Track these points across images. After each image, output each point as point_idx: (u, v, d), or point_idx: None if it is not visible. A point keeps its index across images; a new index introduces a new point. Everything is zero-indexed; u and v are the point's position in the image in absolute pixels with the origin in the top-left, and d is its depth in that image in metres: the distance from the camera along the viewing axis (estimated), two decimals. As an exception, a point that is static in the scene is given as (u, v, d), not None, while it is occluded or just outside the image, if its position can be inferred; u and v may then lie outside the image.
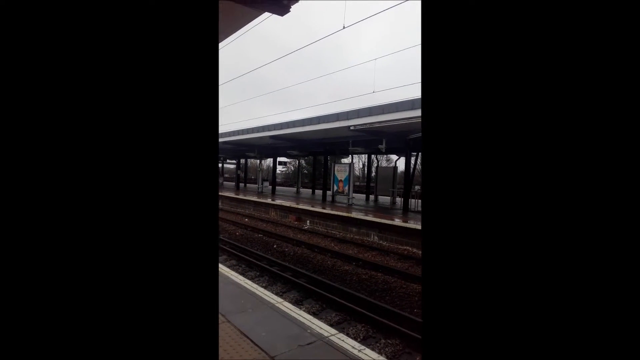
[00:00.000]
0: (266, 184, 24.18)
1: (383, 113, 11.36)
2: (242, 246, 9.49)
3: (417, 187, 15.16)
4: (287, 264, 7.75)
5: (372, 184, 20.18)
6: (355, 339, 4.09)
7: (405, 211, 12.67)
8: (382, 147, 13.08)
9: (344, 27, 7.76)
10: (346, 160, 18.47)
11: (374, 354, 2.80)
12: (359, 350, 2.83)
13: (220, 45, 4.07)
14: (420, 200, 12.91)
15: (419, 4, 0.98)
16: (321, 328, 3.23)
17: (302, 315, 3.53)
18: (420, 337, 4.14)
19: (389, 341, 4.42)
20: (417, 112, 9.80)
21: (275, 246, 9.61)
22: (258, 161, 24.53)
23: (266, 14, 3.27)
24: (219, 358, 2.59)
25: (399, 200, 15.15)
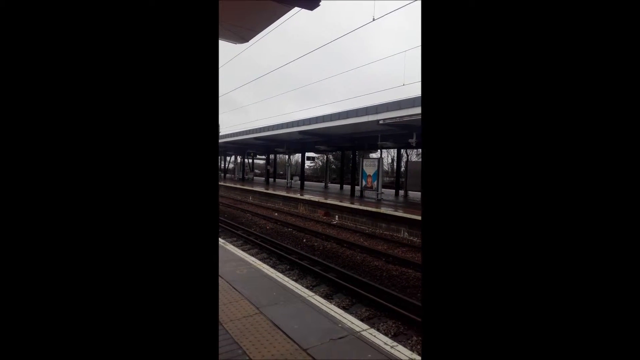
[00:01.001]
0: (296, 178, 24.44)
1: (413, 106, 11.09)
2: (273, 240, 9.68)
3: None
4: (316, 258, 7.82)
5: (401, 179, 19.84)
6: (386, 334, 4.06)
7: (437, 206, 12.31)
8: (413, 141, 12.79)
9: (373, 19, 7.62)
10: (375, 155, 18.22)
11: (407, 351, 2.77)
12: (392, 347, 2.80)
13: (250, 42, 4.13)
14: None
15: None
16: (352, 323, 3.23)
17: (333, 310, 3.55)
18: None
19: (421, 339, 4.34)
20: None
21: (304, 240, 9.71)
22: (287, 156, 24.83)
23: (295, 9, 3.26)
24: (256, 351, 2.68)
25: (430, 195, 14.75)
